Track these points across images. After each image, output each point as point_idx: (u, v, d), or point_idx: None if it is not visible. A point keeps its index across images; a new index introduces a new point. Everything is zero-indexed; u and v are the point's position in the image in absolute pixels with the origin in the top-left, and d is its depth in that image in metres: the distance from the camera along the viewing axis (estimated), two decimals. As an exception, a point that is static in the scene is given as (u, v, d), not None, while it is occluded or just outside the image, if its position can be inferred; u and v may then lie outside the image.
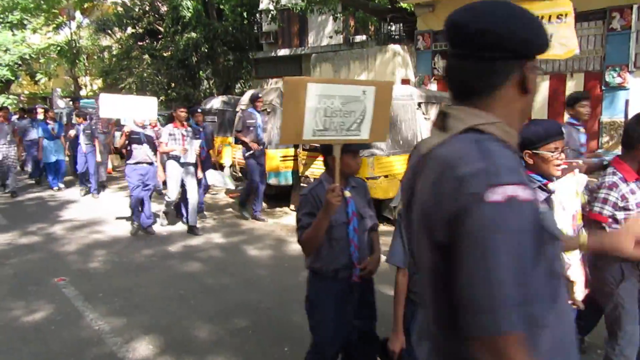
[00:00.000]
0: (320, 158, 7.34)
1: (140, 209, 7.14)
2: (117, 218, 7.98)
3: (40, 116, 10.87)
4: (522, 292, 0.95)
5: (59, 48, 25.00)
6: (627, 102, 7.54)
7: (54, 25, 25.12)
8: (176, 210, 7.75)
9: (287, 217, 8.06)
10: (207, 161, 8.09)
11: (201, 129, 7.92)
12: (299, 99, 2.39)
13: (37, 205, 9.42)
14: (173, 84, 20.36)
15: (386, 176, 6.95)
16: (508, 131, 1.12)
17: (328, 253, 2.69)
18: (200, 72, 19.57)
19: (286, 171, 8.15)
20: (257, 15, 20.68)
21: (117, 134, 10.43)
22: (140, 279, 5.36)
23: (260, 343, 3.91)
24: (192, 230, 7.13)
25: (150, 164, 7.04)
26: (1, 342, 3.94)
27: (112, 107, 6.88)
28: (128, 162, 7.00)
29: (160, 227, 7.49)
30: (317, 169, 7.56)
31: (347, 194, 2.70)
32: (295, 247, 6.48)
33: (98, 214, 8.39)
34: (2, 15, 24.82)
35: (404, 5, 11.21)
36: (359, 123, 2.53)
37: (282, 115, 2.54)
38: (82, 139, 9.67)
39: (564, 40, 3.96)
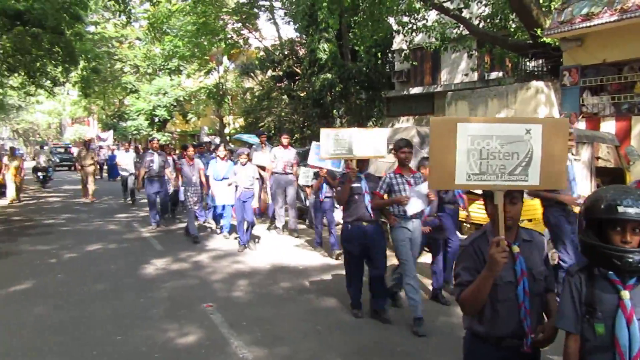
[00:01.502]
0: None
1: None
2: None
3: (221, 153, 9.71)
4: None
5: (208, 90, 27.53)
6: None
7: (206, 71, 27.74)
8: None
9: (422, 257, 7.86)
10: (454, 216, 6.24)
11: None
12: (449, 140, 2.24)
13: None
14: (307, 123, 21.34)
15: (530, 220, 6.53)
16: None
17: (492, 316, 2.35)
18: (334, 110, 20.28)
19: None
20: (390, 54, 21.09)
21: (304, 169, 9.21)
22: (279, 311, 5.56)
23: (398, 388, 3.81)
24: (417, 328, 4.88)
25: (373, 222, 5.31)
26: (159, 361, 4.30)
27: (334, 145, 5.18)
28: (345, 219, 5.39)
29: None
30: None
31: (516, 249, 2.35)
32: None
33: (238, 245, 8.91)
34: (164, 63, 28.02)
35: (547, 40, 10.66)
36: (525, 166, 2.25)
37: (430, 158, 2.35)
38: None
39: None
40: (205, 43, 23.52)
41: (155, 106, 32.76)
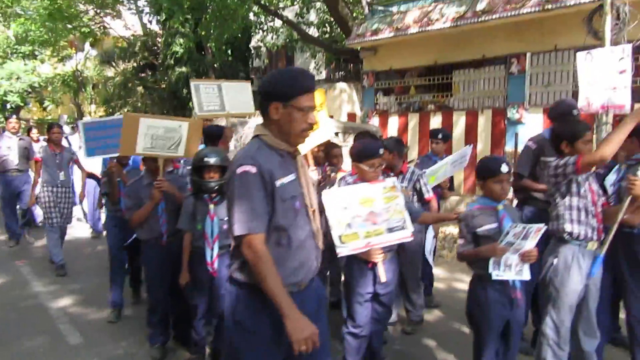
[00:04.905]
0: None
1: None
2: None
3: None
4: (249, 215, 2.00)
5: (63, 78, 26.95)
6: (516, 135, 8.89)
7: (60, 57, 27.10)
8: None
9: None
10: None
11: None
12: (134, 127, 3.78)
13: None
14: (166, 113, 22.01)
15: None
16: (273, 139, 2.13)
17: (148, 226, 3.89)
18: (190, 103, 21.21)
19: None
20: (247, 52, 22.49)
21: None
22: (74, 266, 6.63)
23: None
24: None
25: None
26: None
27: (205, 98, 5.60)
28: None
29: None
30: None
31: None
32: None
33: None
34: (16, 47, 26.88)
35: (355, 48, 12.72)
36: (177, 145, 3.89)
37: (121, 135, 3.85)
38: None
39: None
40: (60, 28, 23.11)
41: (7, 91, 31.08)
